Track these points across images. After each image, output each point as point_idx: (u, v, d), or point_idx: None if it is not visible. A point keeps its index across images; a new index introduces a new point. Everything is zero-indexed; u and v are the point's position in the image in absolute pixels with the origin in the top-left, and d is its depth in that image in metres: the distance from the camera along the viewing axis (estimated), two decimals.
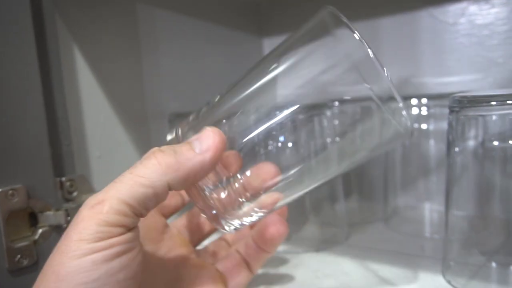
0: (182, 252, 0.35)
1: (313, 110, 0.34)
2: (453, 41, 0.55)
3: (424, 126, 0.52)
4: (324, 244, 0.47)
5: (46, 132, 0.40)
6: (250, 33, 0.71)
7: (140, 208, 0.25)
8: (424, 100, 0.52)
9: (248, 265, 0.35)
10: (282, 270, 0.42)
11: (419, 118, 0.53)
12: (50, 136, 0.41)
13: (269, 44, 0.72)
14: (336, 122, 0.39)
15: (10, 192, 0.38)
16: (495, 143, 0.38)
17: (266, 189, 0.28)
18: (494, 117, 0.38)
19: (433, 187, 0.53)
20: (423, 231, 0.51)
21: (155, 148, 0.26)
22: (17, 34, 0.38)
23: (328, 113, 0.40)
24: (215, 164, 0.26)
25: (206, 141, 0.26)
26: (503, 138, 0.38)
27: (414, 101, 0.52)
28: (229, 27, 0.67)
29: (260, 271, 0.42)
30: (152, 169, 0.25)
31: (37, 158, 0.40)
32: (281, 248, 0.47)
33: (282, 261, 0.44)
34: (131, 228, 0.25)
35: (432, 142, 0.52)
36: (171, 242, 0.35)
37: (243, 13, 0.71)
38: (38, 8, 0.41)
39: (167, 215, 0.37)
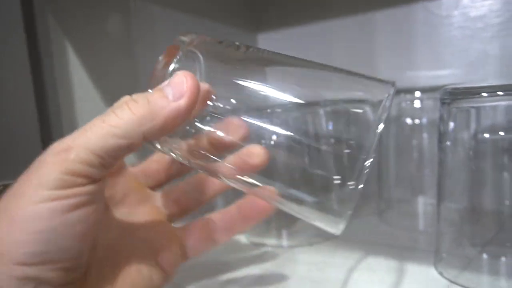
0: (147, 210, 0.33)
1: (306, 108, 0.34)
2: (447, 34, 0.55)
3: (417, 120, 0.52)
4: (317, 238, 0.47)
5: (38, 129, 0.41)
6: (245, 29, 0.71)
7: (109, 160, 0.23)
8: (417, 93, 0.52)
9: (215, 233, 0.33)
10: (276, 264, 0.42)
11: (413, 111, 0.53)
12: (42, 134, 0.41)
13: (263, 39, 0.72)
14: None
15: (1, 188, 0.38)
16: (486, 135, 0.38)
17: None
18: (486, 109, 0.38)
19: (427, 181, 0.53)
20: (416, 224, 0.51)
21: (127, 97, 0.25)
22: (7, 31, 0.38)
23: (321, 111, 0.39)
24: (191, 110, 0.25)
25: (179, 87, 0.24)
26: (494, 130, 0.38)
27: (407, 94, 0.52)
28: (223, 23, 0.67)
29: (253, 266, 0.42)
30: (126, 119, 0.23)
31: (29, 155, 0.40)
32: (274, 242, 0.47)
33: (276, 255, 0.44)
34: (96, 180, 0.23)
35: (425, 135, 0.52)
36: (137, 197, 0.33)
37: (237, 9, 0.71)
38: (29, 4, 0.41)
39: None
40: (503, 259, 0.37)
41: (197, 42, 0.30)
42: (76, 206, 0.23)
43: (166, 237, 0.31)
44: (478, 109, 0.38)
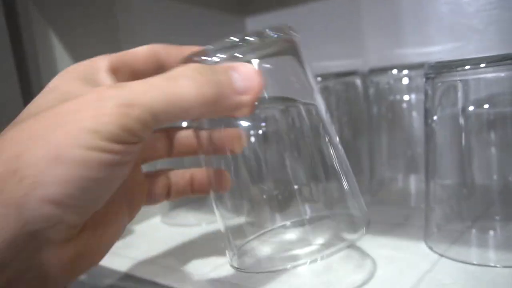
0: None
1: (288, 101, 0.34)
2: (434, 10, 0.55)
3: (406, 97, 0.52)
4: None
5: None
6: (232, 13, 0.71)
7: (161, 124, 0.23)
8: (405, 71, 0.52)
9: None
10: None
11: (402, 89, 0.53)
12: None
13: (252, 23, 0.72)
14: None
15: None
16: (472, 109, 0.38)
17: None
18: (470, 82, 0.37)
19: (418, 158, 0.53)
20: (408, 201, 0.51)
21: (196, 66, 0.24)
22: None
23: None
24: (247, 111, 0.24)
25: (248, 81, 0.24)
26: (480, 104, 0.38)
27: (394, 71, 0.52)
28: (209, 8, 0.67)
29: None
30: (193, 96, 0.23)
31: None
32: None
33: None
34: (142, 140, 0.23)
35: (414, 113, 0.52)
36: None
37: None
38: None
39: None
40: (491, 232, 0.37)
41: None
42: (122, 163, 0.22)
43: (138, 182, 0.32)
44: (463, 82, 0.38)
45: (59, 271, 0.22)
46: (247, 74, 0.24)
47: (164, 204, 0.57)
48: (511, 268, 0.32)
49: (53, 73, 0.47)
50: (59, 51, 0.48)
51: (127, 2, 0.55)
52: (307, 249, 0.33)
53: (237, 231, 0.34)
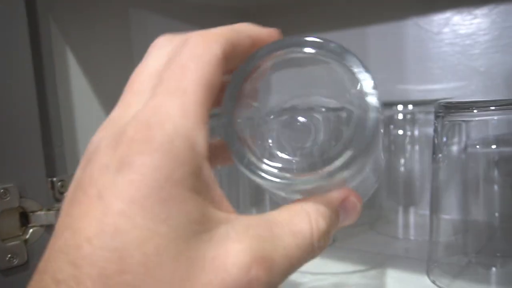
0: None
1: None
2: (437, 50, 0.57)
3: (408, 132, 0.54)
4: None
5: (39, 132, 0.41)
6: None
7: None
8: (410, 107, 0.53)
9: None
10: None
11: (404, 124, 0.54)
12: (43, 137, 0.42)
13: None
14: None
15: (2, 191, 0.38)
16: (478, 147, 0.39)
17: None
18: (477, 123, 0.39)
19: (417, 192, 0.54)
20: (408, 233, 0.52)
21: (315, 209, 0.21)
22: (12, 36, 0.39)
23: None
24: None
25: (352, 214, 0.23)
26: (485, 144, 0.40)
27: (399, 107, 0.53)
28: None
29: None
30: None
31: (30, 158, 0.40)
32: None
33: None
34: None
35: (416, 147, 0.54)
36: None
37: (231, 19, 0.72)
38: (33, 11, 0.42)
39: None
40: (493, 268, 0.38)
41: None
42: None
43: None
44: (470, 122, 0.39)
45: None
46: (352, 208, 0.23)
47: None
48: None
49: (67, 87, 0.48)
50: (73, 67, 0.49)
51: (141, 23, 0.56)
52: None
53: None
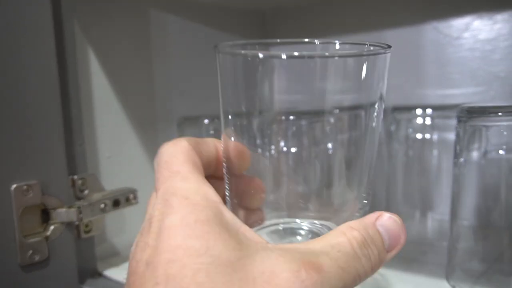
0: None
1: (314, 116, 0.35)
2: (457, 55, 0.56)
3: (427, 135, 0.54)
4: None
5: (62, 131, 0.41)
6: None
7: None
8: (428, 111, 0.53)
9: None
10: None
11: (423, 128, 0.54)
12: (65, 135, 0.42)
13: (274, 51, 0.73)
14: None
15: (25, 187, 0.39)
16: (501, 152, 0.39)
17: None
18: (499, 128, 0.39)
19: (436, 196, 0.54)
20: (425, 238, 0.52)
21: (347, 226, 0.22)
22: (38, 38, 0.40)
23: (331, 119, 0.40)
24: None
25: (395, 239, 0.23)
26: (507, 149, 0.39)
27: (418, 111, 0.53)
28: (236, 35, 0.69)
29: None
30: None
31: (52, 155, 0.41)
32: None
33: None
34: None
35: (435, 152, 0.54)
36: None
37: (249, 21, 0.72)
38: (58, 13, 0.42)
39: None
40: None
41: None
42: None
43: None
44: (491, 128, 0.39)
45: None
46: (394, 230, 0.24)
47: None
48: None
49: (88, 87, 0.48)
50: (94, 67, 0.50)
51: (161, 25, 0.57)
52: None
53: None
